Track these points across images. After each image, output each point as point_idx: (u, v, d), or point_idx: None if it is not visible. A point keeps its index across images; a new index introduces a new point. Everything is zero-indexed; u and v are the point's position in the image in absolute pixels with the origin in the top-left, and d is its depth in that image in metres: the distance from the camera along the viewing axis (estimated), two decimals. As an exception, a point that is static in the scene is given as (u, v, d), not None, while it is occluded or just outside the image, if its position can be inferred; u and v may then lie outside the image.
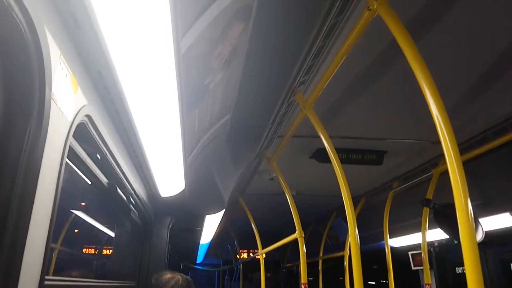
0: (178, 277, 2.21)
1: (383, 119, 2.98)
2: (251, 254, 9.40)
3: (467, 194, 1.25)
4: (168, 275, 2.22)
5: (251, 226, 5.49)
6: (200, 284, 12.26)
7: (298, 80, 2.27)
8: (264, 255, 5.52)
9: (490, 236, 3.58)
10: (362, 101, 2.65)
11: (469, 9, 1.78)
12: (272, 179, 4.33)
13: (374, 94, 2.56)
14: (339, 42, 1.93)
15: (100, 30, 1.10)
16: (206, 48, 1.58)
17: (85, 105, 1.28)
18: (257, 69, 2.13)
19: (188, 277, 2.26)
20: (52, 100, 1.00)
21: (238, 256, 9.61)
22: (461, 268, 4.73)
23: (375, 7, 1.53)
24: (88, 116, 1.34)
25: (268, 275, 9.37)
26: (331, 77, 2.10)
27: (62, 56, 1.05)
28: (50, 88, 0.98)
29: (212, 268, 11.65)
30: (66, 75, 1.09)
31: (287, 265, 9.83)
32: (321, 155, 3.51)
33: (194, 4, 1.27)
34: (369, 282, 7.33)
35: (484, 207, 3.49)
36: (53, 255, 3.55)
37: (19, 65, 0.90)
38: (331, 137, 2.30)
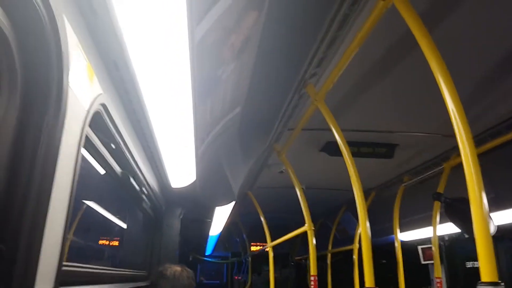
0: (185, 269, 2.21)
1: (394, 112, 2.96)
2: (260, 247, 9.43)
3: (482, 187, 1.25)
4: (177, 268, 2.21)
5: (260, 219, 5.50)
6: (209, 275, 12.36)
7: (310, 72, 2.26)
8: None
9: (502, 231, 3.55)
10: (373, 94, 2.63)
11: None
12: (281, 172, 4.33)
13: (386, 87, 2.53)
14: (352, 33, 1.91)
15: (116, 20, 1.12)
16: (220, 37, 1.58)
17: (100, 94, 1.29)
18: (269, 60, 2.12)
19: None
20: (69, 88, 1.01)
21: (247, 249, 9.65)
22: (471, 262, 4.70)
23: (390, -3, 1.52)
24: (103, 105, 1.36)
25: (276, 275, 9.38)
26: (343, 69, 2.08)
27: (79, 44, 1.06)
28: (68, 76, 0.99)
29: (221, 260, 11.73)
30: (83, 63, 1.11)
31: (296, 258, 9.84)
32: (331, 148, 3.49)
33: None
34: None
35: (496, 201, 3.45)
36: (66, 244, 3.61)
37: (37, 52, 0.92)
38: (342, 130, 2.29)
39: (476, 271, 1.22)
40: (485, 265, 1.20)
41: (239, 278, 11.04)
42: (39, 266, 0.93)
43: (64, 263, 1.18)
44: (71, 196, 1.12)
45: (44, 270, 0.97)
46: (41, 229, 0.94)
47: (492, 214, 3.32)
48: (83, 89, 1.14)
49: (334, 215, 6.63)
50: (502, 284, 1.18)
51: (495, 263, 1.20)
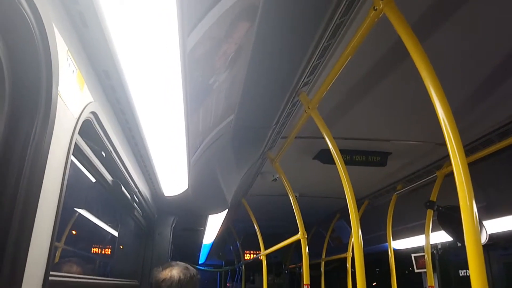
0: (178, 274, 1.98)
1: (387, 121, 2.97)
2: (253, 256, 9.38)
3: (472, 196, 1.25)
4: (168, 272, 1.94)
5: (254, 227, 5.48)
6: (202, 284, 12.29)
7: (303, 81, 2.27)
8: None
9: (494, 239, 3.56)
10: (366, 102, 2.64)
11: (477, 9, 1.78)
12: (275, 180, 4.33)
13: (379, 95, 2.55)
14: (344, 42, 1.92)
15: (107, 29, 1.11)
16: (211, 47, 1.58)
17: (91, 102, 1.28)
18: (262, 69, 2.13)
19: (190, 268, 1.98)
20: (58, 96, 1.00)
21: (240, 257, 9.60)
22: (464, 271, 4.70)
23: (381, 7, 1.53)
24: (93, 113, 1.35)
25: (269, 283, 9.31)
26: (336, 77, 2.09)
27: (69, 53, 1.06)
28: (57, 84, 0.98)
29: (215, 269, 11.64)
30: (73, 71, 1.10)
31: (289, 266, 9.80)
32: (324, 156, 3.50)
33: (199, 2, 1.28)
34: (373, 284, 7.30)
35: (488, 209, 3.47)
36: (57, 253, 3.56)
37: (26, 60, 0.91)
38: (335, 138, 2.30)
39: (469, 279, 1.22)
40: (476, 275, 1.20)
41: (230, 286, 10.98)
42: (24, 276, 0.91)
43: (52, 273, 1.16)
44: (59, 204, 1.10)
45: (30, 281, 0.95)
46: (27, 239, 0.93)
47: (484, 223, 3.33)
48: (73, 97, 1.13)
49: (328, 223, 6.63)
50: (493, 294, 1.19)
51: (485, 273, 1.20)
